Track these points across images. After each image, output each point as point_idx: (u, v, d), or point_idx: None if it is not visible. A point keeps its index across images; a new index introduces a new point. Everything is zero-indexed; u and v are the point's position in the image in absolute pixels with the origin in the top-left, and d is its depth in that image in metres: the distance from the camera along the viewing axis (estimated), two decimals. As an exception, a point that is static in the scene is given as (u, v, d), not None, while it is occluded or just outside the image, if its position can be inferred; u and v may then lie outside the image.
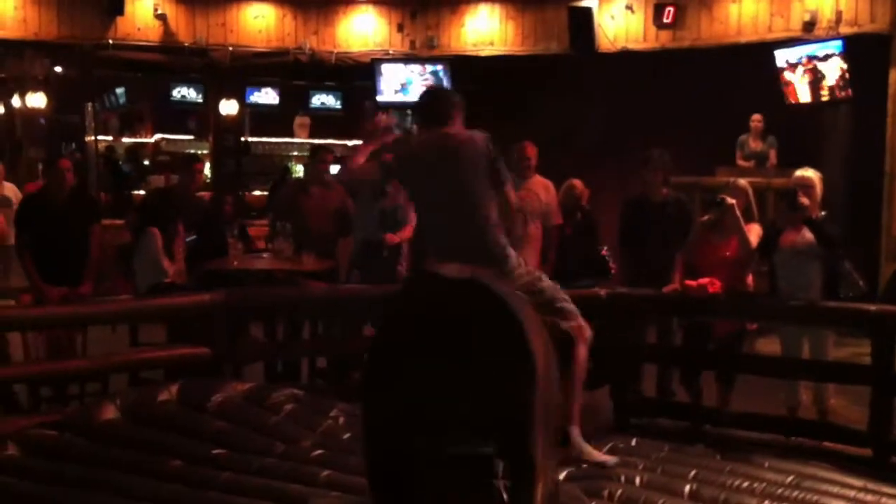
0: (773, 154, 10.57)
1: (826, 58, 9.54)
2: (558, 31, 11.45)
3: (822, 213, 5.87)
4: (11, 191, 9.69)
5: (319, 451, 4.56)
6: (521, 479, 3.26)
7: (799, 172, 6.00)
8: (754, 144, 10.72)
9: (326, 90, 16.05)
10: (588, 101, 10.83)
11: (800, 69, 9.80)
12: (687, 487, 4.20)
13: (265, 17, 11.96)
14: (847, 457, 5.27)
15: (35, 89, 13.81)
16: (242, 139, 15.01)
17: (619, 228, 6.93)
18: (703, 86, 10.47)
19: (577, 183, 7.66)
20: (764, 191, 8.68)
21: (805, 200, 5.70)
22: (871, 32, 9.50)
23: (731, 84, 10.33)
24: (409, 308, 3.46)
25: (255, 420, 4.98)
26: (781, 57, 9.93)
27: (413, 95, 11.69)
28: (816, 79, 9.68)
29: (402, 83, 11.98)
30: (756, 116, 10.65)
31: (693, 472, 4.38)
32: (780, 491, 4.19)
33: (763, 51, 10.05)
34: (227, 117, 13.16)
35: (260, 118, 16.15)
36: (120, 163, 15.68)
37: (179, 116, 16.17)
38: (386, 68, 12.05)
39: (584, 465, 4.48)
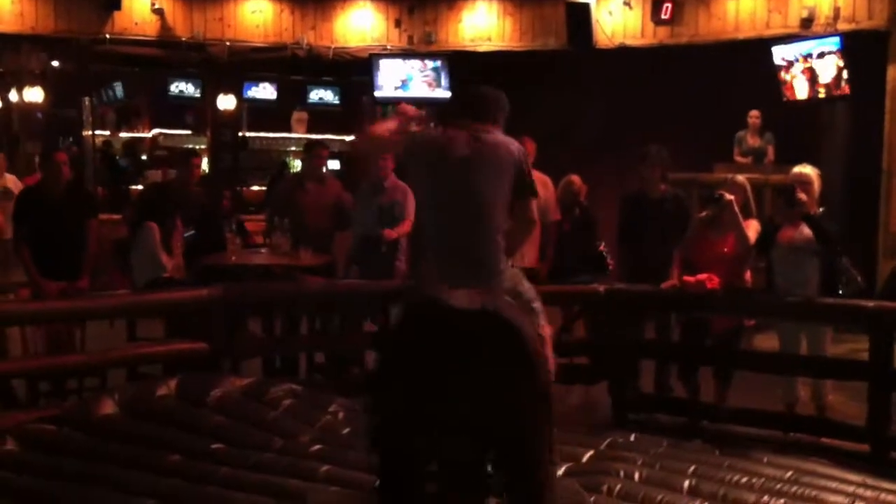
0: (770, 150, 10.58)
1: (823, 55, 9.54)
2: (556, 26, 11.44)
3: (820, 209, 5.87)
4: (13, 182, 9.69)
5: (318, 446, 4.57)
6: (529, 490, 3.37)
7: (797, 169, 5.99)
8: (752, 141, 10.72)
9: (324, 85, 16.03)
10: (586, 98, 10.83)
11: (797, 66, 9.80)
12: (686, 483, 4.22)
13: (262, 12, 11.93)
14: (845, 452, 5.28)
15: (32, 83, 13.80)
16: (240, 134, 14.99)
17: (617, 224, 6.93)
18: (700, 82, 10.48)
19: (576, 179, 7.67)
20: (762, 187, 8.68)
21: (803, 197, 5.70)
22: (868, 29, 9.49)
23: (728, 80, 10.33)
24: (418, 336, 3.48)
25: (253, 415, 4.99)
26: (779, 53, 9.93)
27: (413, 92, 11.70)
28: (813, 76, 9.68)
29: (402, 79, 11.96)
30: (754, 113, 10.65)
31: (692, 468, 4.40)
32: (778, 486, 4.21)
33: (761, 47, 10.04)
34: (225, 112, 13.15)
35: (257, 113, 16.15)
36: (117, 157, 15.68)
37: (177, 111, 16.17)
38: (383, 64, 12.03)
39: (583, 461, 4.50)
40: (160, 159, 15.25)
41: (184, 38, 11.67)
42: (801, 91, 9.88)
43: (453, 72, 11.74)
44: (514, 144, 3.80)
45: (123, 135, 16.49)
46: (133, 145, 16.35)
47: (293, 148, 16.38)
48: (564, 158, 8.92)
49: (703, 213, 6.26)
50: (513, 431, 3.40)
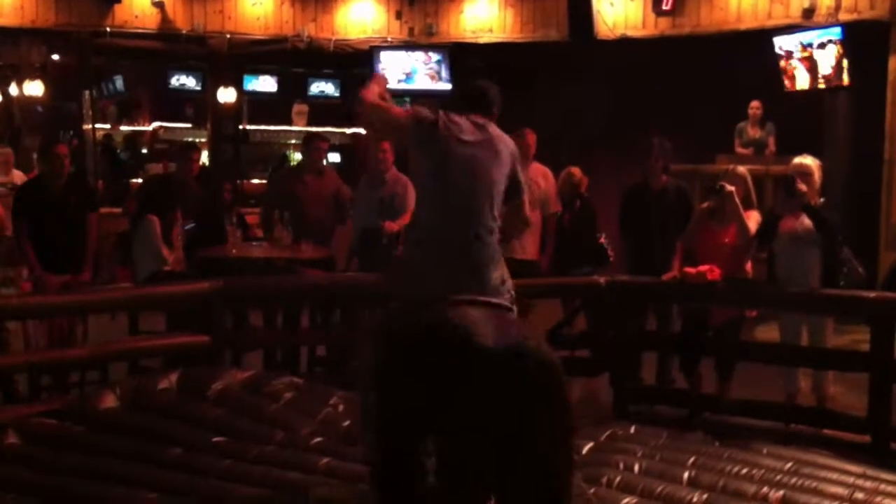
0: (771, 141, 10.56)
1: (823, 45, 9.52)
2: (557, 18, 11.42)
3: (821, 200, 5.87)
4: (20, 178, 9.69)
5: (319, 439, 4.57)
6: None
7: (797, 160, 5.99)
8: (753, 132, 10.70)
9: (325, 78, 15.99)
10: (587, 89, 10.82)
11: (797, 56, 9.78)
12: (686, 474, 4.22)
13: (263, 5, 11.92)
14: (846, 443, 5.28)
15: (32, 77, 13.78)
16: (240, 127, 14.97)
17: (619, 216, 6.93)
18: (702, 73, 10.46)
19: (576, 171, 7.65)
20: (762, 178, 8.68)
21: (803, 187, 5.69)
22: (870, 19, 9.48)
23: (730, 71, 10.30)
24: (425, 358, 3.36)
25: (254, 408, 4.99)
26: (779, 44, 9.91)
27: (417, 84, 11.68)
28: (813, 66, 9.66)
29: (406, 72, 11.94)
30: (754, 103, 10.62)
31: (692, 459, 4.40)
32: (778, 477, 4.21)
33: (762, 38, 10.02)
34: (226, 105, 13.13)
35: (258, 106, 16.10)
36: (118, 151, 15.65)
37: (177, 104, 16.14)
38: (384, 56, 12.01)
39: (584, 452, 4.50)
40: (161, 152, 15.21)
41: (184, 31, 11.66)
42: (802, 81, 9.86)
43: (454, 64, 11.72)
44: (510, 140, 3.83)
45: (124, 128, 16.45)
46: (134, 138, 16.32)
47: (294, 141, 16.33)
48: (565, 150, 8.92)
49: (705, 205, 6.26)
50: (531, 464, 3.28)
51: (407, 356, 3.38)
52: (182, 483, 4.04)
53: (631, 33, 11.06)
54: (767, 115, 10.64)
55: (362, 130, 15.36)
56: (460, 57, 11.68)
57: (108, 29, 11.30)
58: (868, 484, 4.19)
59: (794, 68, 9.85)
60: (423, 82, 11.82)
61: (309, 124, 16.07)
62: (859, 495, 4.02)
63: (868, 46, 9.41)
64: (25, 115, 14.88)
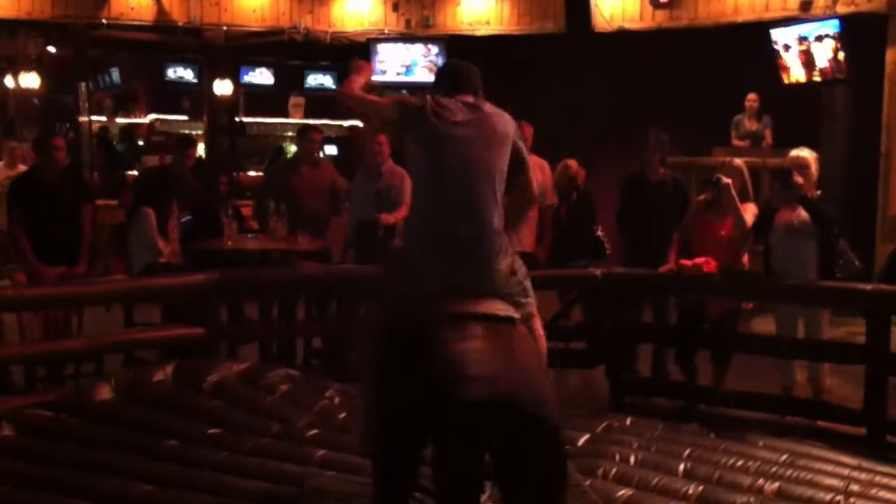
0: (768, 134, 10.55)
1: (820, 38, 9.51)
2: (554, 10, 11.41)
3: (818, 192, 5.86)
4: None
5: (315, 431, 4.58)
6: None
7: (794, 152, 5.97)
8: (749, 124, 10.69)
9: (321, 70, 15.96)
10: (584, 81, 10.81)
11: (794, 49, 9.77)
12: (681, 466, 4.22)
13: (259, -3, 11.90)
14: (842, 436, 5.29)
15: (28, 69, 13.76)
16: (237, 119, 14.95)
17: (616, 208, 6.93)
18: (699, 66, 10.44)
19: (572, 163, 7.64)
20: (759, 170, 8.67)
21: (800, 180, 5.68)
22: (867, 12, 9.46)
23: (727, 64, 10.29)
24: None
25: (250, 400, 4.99)
26: (777, 37, 9.90)
27: (417, 77, 11.65)
28: (810, 59, 9.65)
29: (406, 65, 11.91)
30: (751, 96, 10.61)
31: (688, 451, 4.40)
32: (774, 469, 4.21)
33: (760, 30, 10.01)
34: (222, 97, 13.11)
35: (254, 98, 16.08)
36: (114, 143, 15.63)
37: (173, 96, 16.11)
38: (381, 48, 12.00)
39: (580, 444, 4.50)
40: (157, 145, 15.20)
41: (180, 23, 11.64)
42: (798, 74, 9.86)
43: (450, 56, 11.69)
44: (508, 116, 3.69)
45: (120, 120, 16.44)
46: (130, 131, 16.31)
47: (290, 133, 16.32)
48: (562, 142, 8.90)
49: (702, 197, 6.26)
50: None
51: (407, 354, 3.32)
52: (177, 475, 4.04)
53: (628, 26, 11.05)
54: (764, 108, 10.63)
55: (359, 123, 15.37)
56: (457, 49, 11.66)
57: (104, 21, 11.26)
58: (863, 476, 4.19)
59: (791, 61, 9.84)
60: (421, 75, 11.79)
61: (305, 117, 16.04)
62: (854, 487, 4.03)
63: (865, 39, 9.40)
64: (22, 108, 14.87)
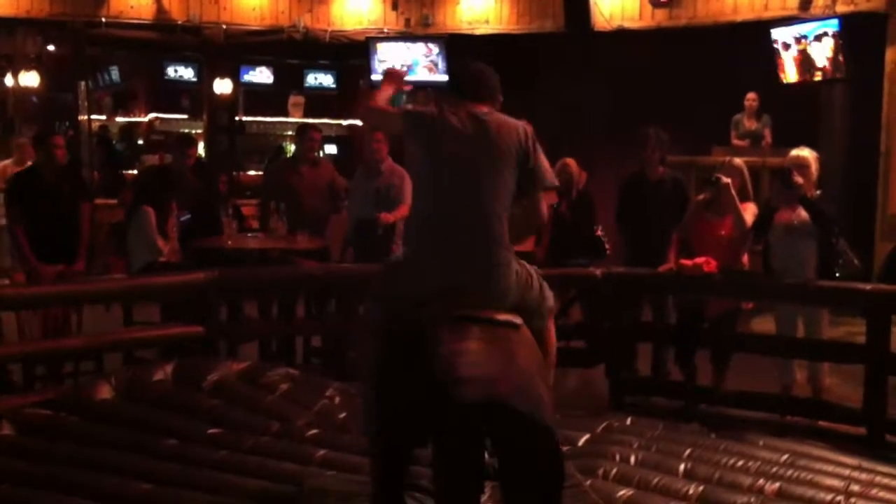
0: (767, 133, 10.55)
1: (819, 37, 9.51)
2: (554, 9, 11.40)
3: (818, 192, 5.86)
4: None
5: (314, 431, 4.57)
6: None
7: (794, 151, 5.98)
8: (749, 123, 10.69)
9: (321, 69, 15.95)
10: (584, 80, 10.80)
11: (793, 48, 9.77)
12: (682, 466, 4.21)
13: (259, -5, 11.89)
14: (842, 435, 5.29)
15: (27, 68, 13.73)
16: (236, 118, 14.94)
17: (616, 207, 6.93)
18: (699, 65, 10.44)
19: (571, 161, 7.63)
20: (759, 170, 8.67)
21: (799, 179, 5.68)
22: (867, 11, 9.47)
23: (727, 63, 10.29)
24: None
25: (249, 399, 4.98)
26: (776, 36, 9.90)
27: (419, 76, 11.63)
28: (809, 58, 9.65)
29: (407, 65, 11.89)
30: (751, 95, 10.62)
31: (688, 451, 4.39)
32: (774, 469, 4.20)
33: (759, 30, 10.01)
34: (222, 96, 13.10)
35: (254, 97, 16.05)
36: (113, 142, 15.61)
37: (173, 95, 16.07)
38: (381, 47, 11.98)
39: (580, 444, 4.50)
40: (157, 143, 15.17)
41: (180, 22, 11.63)
42: (797, 73, 9.85)
43: (450, 55, 11.69)
44: (520, 127, 3.51)
45: (120, 119, 16.41)
46: (129, 129, 16.27)
47: (290, 132, 16.30)
48: (562, 141, 8.89)
49: (701, 196, 6.26)
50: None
51: (406, 355, 3.30)
52: (177, 474, 4.03)
53: (627, 25, 11.05)
54: (764, 107, 10.63)
55: (359, 122, 15.36)
56: (457, 49, 11.66)
57: (103, 19, 11.25)
58: (864, 476, 4.18)
59: (790, 60, 9.83)
60: (421, 74, 11.78)
61: (305, 115, 16.02)
62: (855, 487, 4.02)
63: (865, 38, 9.40)
64: (21, 106, 14.84)
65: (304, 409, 4.89)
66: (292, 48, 12.85)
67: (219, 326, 5.88)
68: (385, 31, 12.08)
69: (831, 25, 9.42)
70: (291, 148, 15.35)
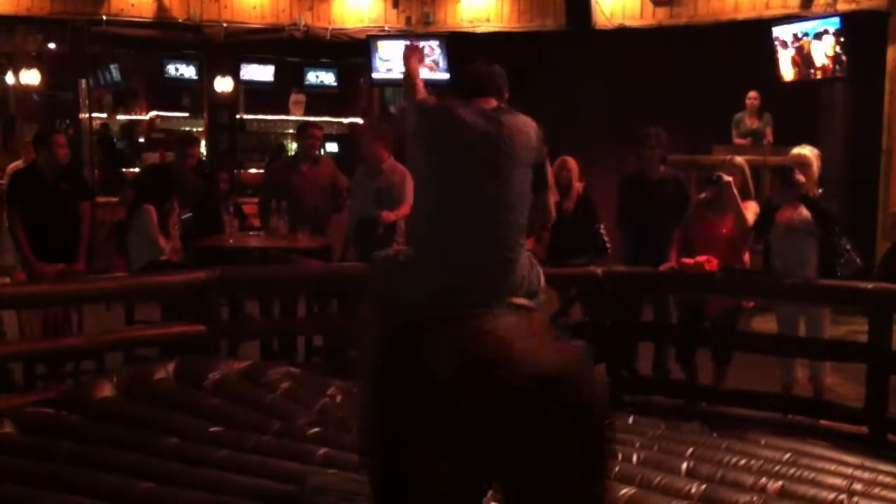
0: (768, 131, 10.54)
1: (820, 36, 9.50)
2: (554, 7, 11.38)
3: (819, 190, 5.85)
4: None
5: (316, 429, 4.57)
6: None
7: (795, 150, 5.97)
8: (750, 122, 10.69)
9: (321, 67, 15.95)
10: (584, 79, 10.80)
11: (794, 47, 9.76)
12: (683, 465, 4.22)
13: (259, -7, 11.88)
14: (843, 434, 5.28)
15: (28, 66, 13.75)
16: (237, 116, 14.95)
17: (617, 206, 6.92)
18: (699, 63, 10.44)
19: (570, 160, 7.62)
20: (760, 168, 8.67)
21: (800, 178, 5.68)
22: (868, 9, 9.46)
23: (728, 62, 10.29)
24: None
25: (251, 398, 4.98)
26: (777, 34, 9.89)
27: (421, 75, 11.59)
28: (809, 57, 9.65)
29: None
30: (752, 94, 10.61)
31: (689, 450, 4.40)
32: (776, 468, 4.21)
33: (760, 28, 10.00)
34: (222, 94, 13.10)
35: (255, 95, 16.06)
36: (114, 140, 15.62)
37: (173, 93, 16.09)
38: (381, 45, 11.97)
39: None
40: (157, 142, 15.18)
41: (180, 20, 11.61)
42: (798, 72, 9.85)
43: (451, 53, 11.68)
44: (534, 128, 3.45)
45: (120, 117, 16.41)
46: (130, 128, 16.29)
47: (291, 130, 16.30)
48: (562, 140, 8.89)
49: (702, 195, 6.25)
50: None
51: (409, 363, 3.16)
52: (178, 472, 4.03)
53: (628, 23, 11.03)
54: (765, 106, 10.62)
55: (359, 120, 15.35)
56: (457, 47, 11.65)
57: (103, 17, 11.23)
58: (866, 475, 4.19)
59: (791, 59, 9.83)
60: (422, 72, 11.74)
61: (306, 113, 16.02)
62: (857, 486, 4.02)
63: (866, 37, 9.39)
64: (22, 104, 14.85)
65: (306, 408, 4.89)
66: (293, 46, 12.84)
67: (220, 325, 5.87)
68: (386, 29, 12.07)
69: (832, 24, 9.41)
70: (292, 146, 15.36)
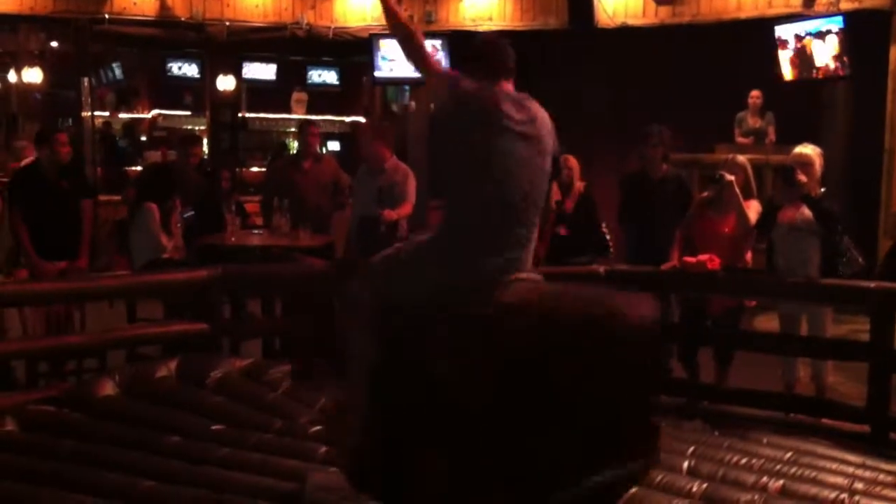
0: (771, 130, 10.54)
1: (823, 35, 9.49)
2: (557, 5, 11.38)
3: (822, 189, 5.85)
4: None
5: (317, 428, 4.56)
6: None
7: (798, 149, 5.97)
8: (752, 121, 10.68)
9: (324, 65, 15.97)
10: (587, 77, 10.79)
11: (796, 46, 9.75)
12: (685, 463, 4.21)
13: (262, -8, 11.88)
14: (845, 433, 5.27)
15: (30, 64, 13.77)
16: (239, 115, 14.96)
17: (618, 205, 6.92)
18: (702, 62, 10.43)
19: (572, 159, 7.62)
20: (762, 167, 8.67)
21: (802, 178, 5.67)
22: (871, 8, 9.45)
23: (730, 60, 10.28)
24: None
25: (253, 396, 4.98)
26: (779, 33, 9.88)
27: (420, 74, 11.59)
28: (810, 56, 9.64)
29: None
30: (754, 93, 10.60)
31: (691, 448, 4.39)
32: (777, 467, 4.20)
33: (763, 27, 9.99)
34: (224, 93, 13.10)
35: (257, 94, 16.09)
36: (116, 138, 15.64)
37: (176, 92, 16.13)
38: (384, 44, 11.95)
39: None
40: (159, 140, 15.21)
41: (183, 18, 11.60)
42: (800, 72, 9.84)
43: (453, 52, 11.67)
44: (549, 121, 3.45)
45: (123, 115, 16.45)
46: (132, 126, 16.33)
47: (293, 129, 16.33)
48: (564, 139, 8.88)
49: (704, 194, 6.25)
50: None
51: (409, 355, 3.17)
52: (180, 470, 4.03)
53: (631, 22, 11.02)
54: (767, 105, 10.62)
55: (362, 119, 15.36)
56: (460, 46, 11.64)
57: (106, 16, 11.23)
58: (867, 474, 4.18)
59: (793, 58, 9.82)
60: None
61: (308, 112, 16.05)
62: (859, 485, 4.02)
63: (869, 36, 9.39)
64: (24, 103, 14.86)
65: (307, 407, 4.88)
66: (295, 45, 12.84)
67: (222, 323, 5.87)
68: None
69: (835, 23, 9.40)
70: (294, 144, 15.39)
